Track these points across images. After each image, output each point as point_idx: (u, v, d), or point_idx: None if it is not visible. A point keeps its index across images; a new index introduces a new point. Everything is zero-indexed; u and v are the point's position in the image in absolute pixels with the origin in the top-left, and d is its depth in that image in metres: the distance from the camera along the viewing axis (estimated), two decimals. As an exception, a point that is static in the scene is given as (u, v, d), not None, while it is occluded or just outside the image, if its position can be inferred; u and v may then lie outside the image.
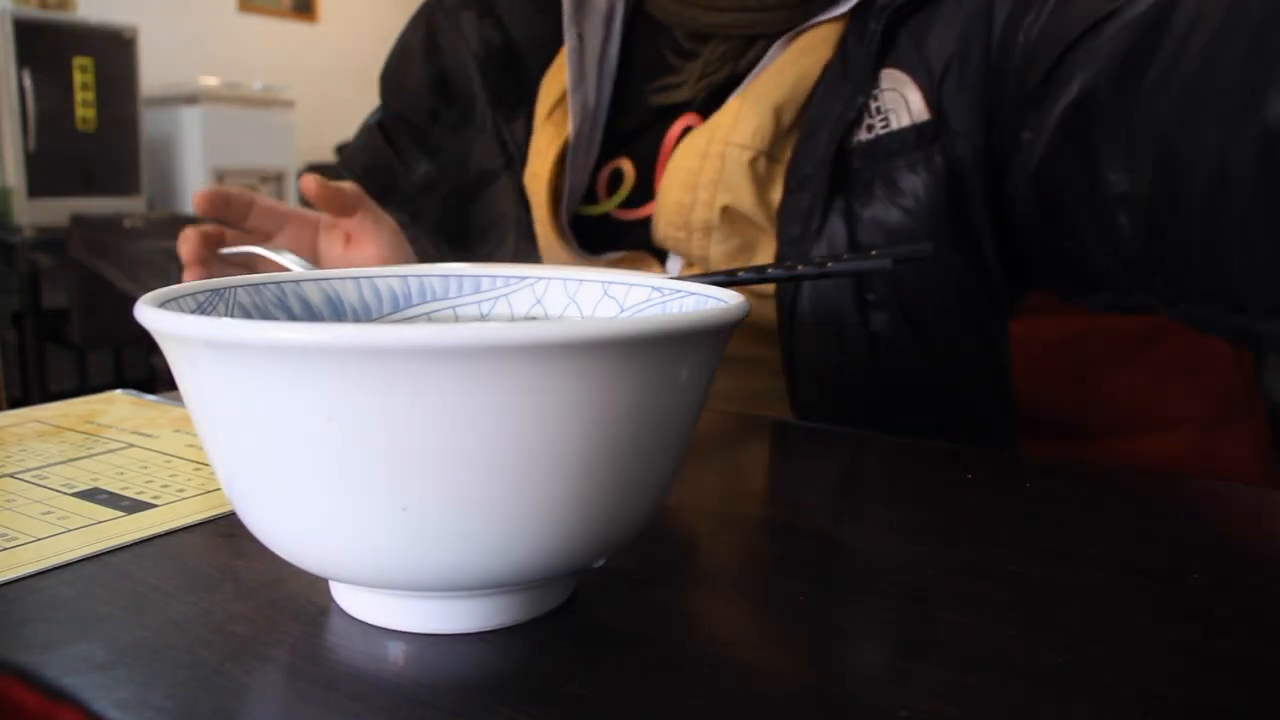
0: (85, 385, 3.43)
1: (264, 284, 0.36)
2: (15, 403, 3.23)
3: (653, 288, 0.37)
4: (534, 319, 0.40)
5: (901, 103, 0.66)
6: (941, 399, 0.70)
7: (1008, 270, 0.68)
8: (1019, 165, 0.62)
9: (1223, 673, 0.30)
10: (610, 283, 0.39)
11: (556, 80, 0.80)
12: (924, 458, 0.54)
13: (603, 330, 0.25)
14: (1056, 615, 0.34)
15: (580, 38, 0.77)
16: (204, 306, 0.34)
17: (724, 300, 0.33)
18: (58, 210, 3.31)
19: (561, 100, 0.78)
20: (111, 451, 0.49)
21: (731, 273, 0.57)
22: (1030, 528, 0.43)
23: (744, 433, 0.61)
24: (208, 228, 0.62)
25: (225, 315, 0.35)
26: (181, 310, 0.31)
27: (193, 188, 3.76)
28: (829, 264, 0.55)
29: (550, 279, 0.40)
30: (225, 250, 0.62)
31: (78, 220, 3.17)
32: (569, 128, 0.76)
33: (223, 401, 0.27)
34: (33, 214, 3.31)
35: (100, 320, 3.13)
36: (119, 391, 0.63)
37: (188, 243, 0.61)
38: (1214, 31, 0.47)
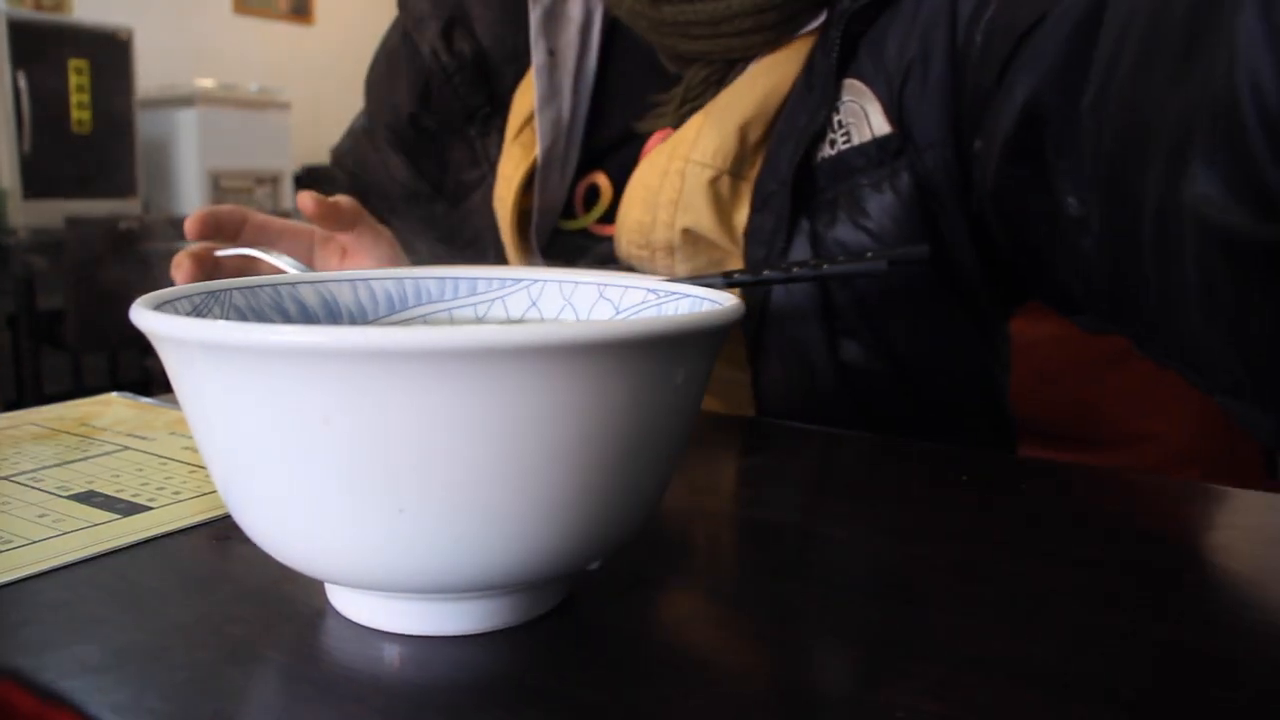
0: (80, 388, 3.43)
1: (260, 286, 0.36)
2: (9, 405, 3.23)
3: (649, 290, 0.37)
4: (530, 321, 0.40)
5: (861, 115, 0.63)
6: (924, 427, 0.66)
7: (995, 288, 0.65)
8: (978, 179, 0.59)
9: (1218, 672, 0.30)
10: (606, 285, 0.39)
11: (526, 98, 0.77)
12: (919, 459, 0.54)
13: (598, 332, 0.25)
14: (1052, 615, 0.34)
15: (552, 52, 0.75)
16: (199, 309, 0.34)
17: (720, 302, 0.33)
18: (53, 212, 3.31)
19: (530, 120, 0.76)
20: (107, 454, 0.49)
21: (728, 274, 0.57)
22: (1025, 528, 0.43)
23: (739, 434, 0.61)
24: (199, 249, 0.61)
25: (221, 318, 0.35)
26: (177, 313, 0.31)
27: (189, 189, 3.75)
28: (824, 266, 0.55)
29: (546, 281, 0.40)
30: (221, 252, 0.61)
31: (73, 222, 3.17)
32: (537, 149, 0.74)
33: (218, 404, 0.27)
34: (28, 216, 3.30)
35: (95, 322, 3.13)
36: (115, 394, 0.63)
37: (181, 270, 0.60)
38: (1142, 42, 0.42)
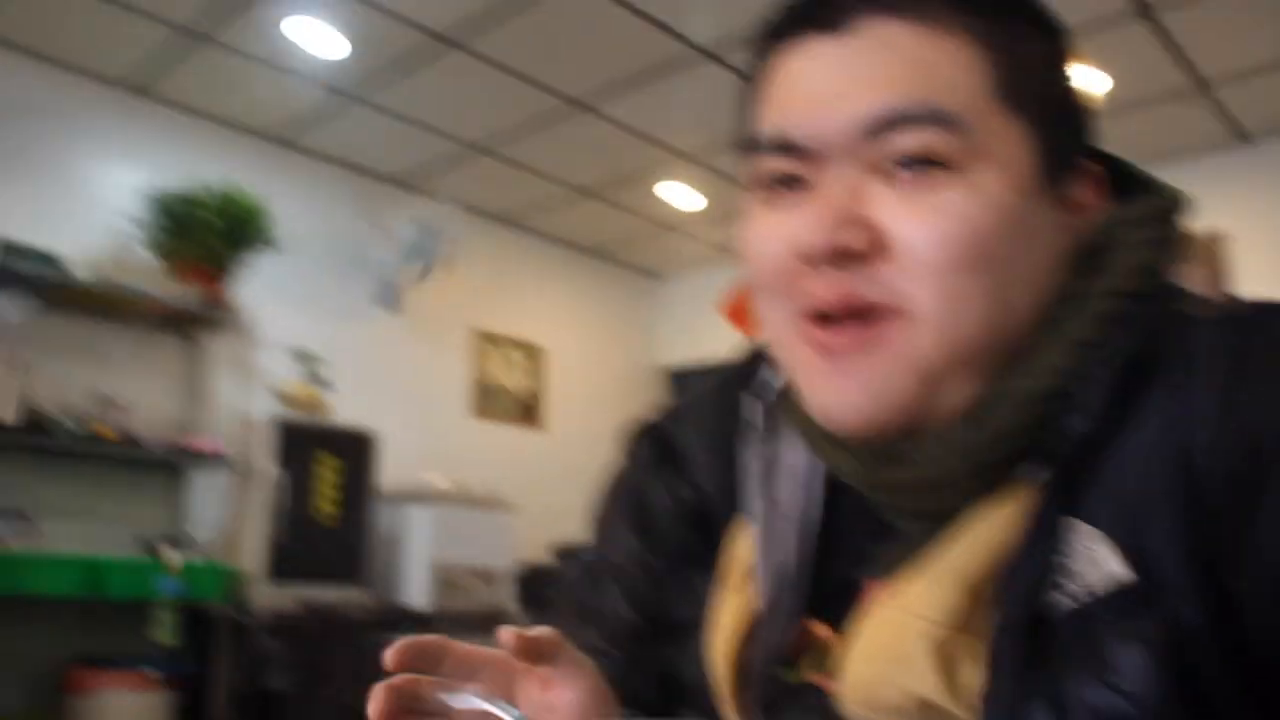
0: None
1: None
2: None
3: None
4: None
5: (1094, 562, 0.58)
6: None
7: None
8: (1253, 625, 0.54)
9: None
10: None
11: (743, 546, 0.75)
12: None
13: None
14: None
15: (774, 503, 0.74)
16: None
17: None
18: (289, 596, 3.51)
19: (749, 569, 0.73)
20: None
21: None
22: None
23: None
24: (398, 681, 0.62)
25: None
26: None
27: (415, 579, 3.91)
28: None
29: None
30: (439, 696, 0.63)
31: (307, 607, 3.33)
32: (759, 599, 0.72)
33: None
34: (268, 598, 3.51)
35: (316, 708, 3.21)
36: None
37: (376, 702, 0.61)
38: None
